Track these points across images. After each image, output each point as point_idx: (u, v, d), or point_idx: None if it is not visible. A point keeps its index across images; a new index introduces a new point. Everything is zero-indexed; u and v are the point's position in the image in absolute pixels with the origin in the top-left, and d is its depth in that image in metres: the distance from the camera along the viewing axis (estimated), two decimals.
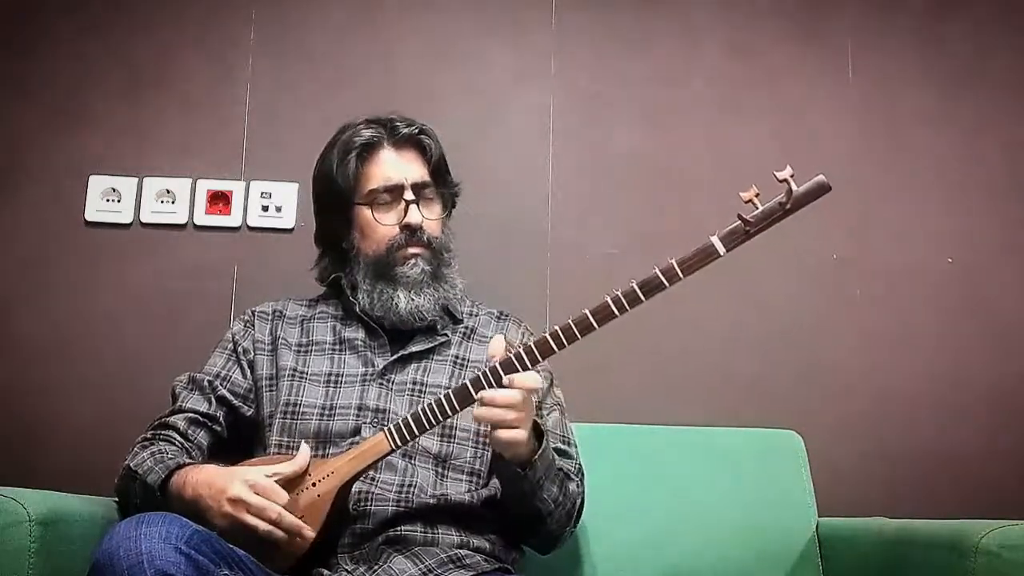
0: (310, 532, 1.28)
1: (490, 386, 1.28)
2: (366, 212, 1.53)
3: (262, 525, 1.25)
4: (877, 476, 1.93)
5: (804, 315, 2.01)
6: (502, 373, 1.27)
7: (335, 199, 1.56)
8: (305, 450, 1.34)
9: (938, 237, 2.06)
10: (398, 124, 1.56)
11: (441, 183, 1.59)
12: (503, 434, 1.28)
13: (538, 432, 1.36)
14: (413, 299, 1.51)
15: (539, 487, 1.36)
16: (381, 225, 1.53)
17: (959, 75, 2.12)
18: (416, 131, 1.57)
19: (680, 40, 2.11)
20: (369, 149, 1.54)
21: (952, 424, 1.98)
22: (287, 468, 1.30)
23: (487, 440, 1.49)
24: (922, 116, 2.10)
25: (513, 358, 1.27)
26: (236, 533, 1.24)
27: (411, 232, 1.52)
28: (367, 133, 1.55)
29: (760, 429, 1.84)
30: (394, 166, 1.54)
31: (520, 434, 1.28)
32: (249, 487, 1.26)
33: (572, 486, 1.45)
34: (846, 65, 2.11)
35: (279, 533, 1.26)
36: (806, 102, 2.10)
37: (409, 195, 1.53)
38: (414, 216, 1.52)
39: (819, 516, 1.74)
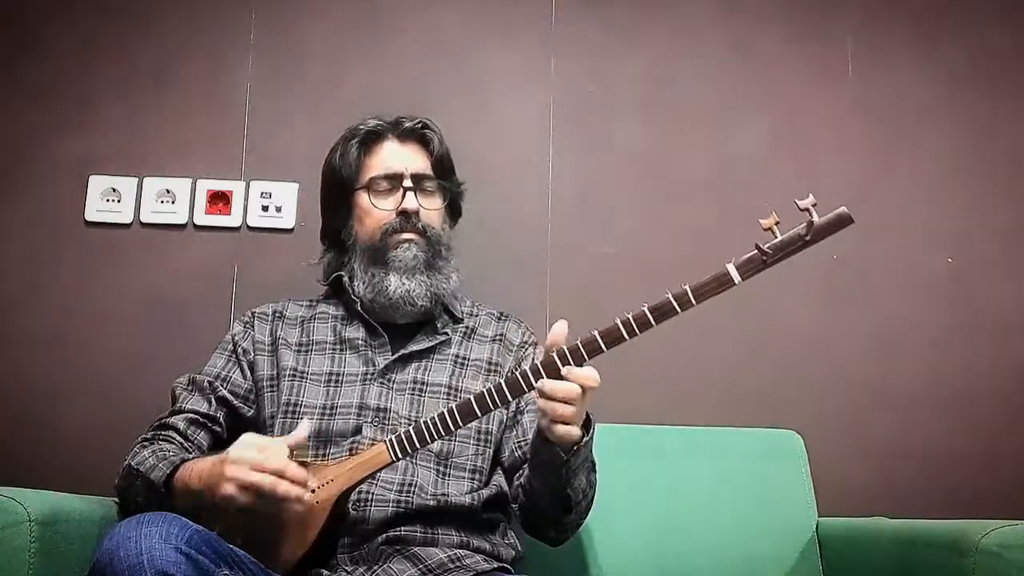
0: (312, 483, 1.25)
1: (495, 406, 1.27)
2: (364, 197, 1.56)
3: (266, 479, 1.21)
4: (877, 476, 1.93)
5: (804, 315, 2.01)
6: (532, 380, 1.24)
7: (337, 187, 1.59)
8: (305, 423, 1.31)
9: (938, 237, 2.06)
10: (403, 119, 1.61)
11: (443, 178, 1.61)
12: (559, 428, 1.24)
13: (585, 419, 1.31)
14: (404, 283, 1.51)
15: (574, 475, 1.33)
16: (377, 209, 1.55)
17: (959, 75, 2.11)
18: (419, 125, 1.60)
19: (680, 40, 2.11)
20: (373, 138, 1.59)
21: (952, 424, 1.97)
22: (282, 441, 1.27)
23: (488, 438, 1.50)
24: (921, 116, 2.10)
25: (519, 376, 1.25)
26: (242, 512, 1.23)
27: (406, 218, 1.54)
28: (372, 123, 1.60)
29: (760, 429, 1.84)
30: (396, 155, 1.58)
31: (575, 431, 1.25)
32: (248, 444, 1.25)
33: (594, 476, 1.43)
34: (846, 64, 2.11)
35: (284, 486, 1.22)
36: (806, 101, 2.10)
37: (408, 183, 1.55)
38: (410, 202, 1.54)
39: (819, 516, 1.74)
